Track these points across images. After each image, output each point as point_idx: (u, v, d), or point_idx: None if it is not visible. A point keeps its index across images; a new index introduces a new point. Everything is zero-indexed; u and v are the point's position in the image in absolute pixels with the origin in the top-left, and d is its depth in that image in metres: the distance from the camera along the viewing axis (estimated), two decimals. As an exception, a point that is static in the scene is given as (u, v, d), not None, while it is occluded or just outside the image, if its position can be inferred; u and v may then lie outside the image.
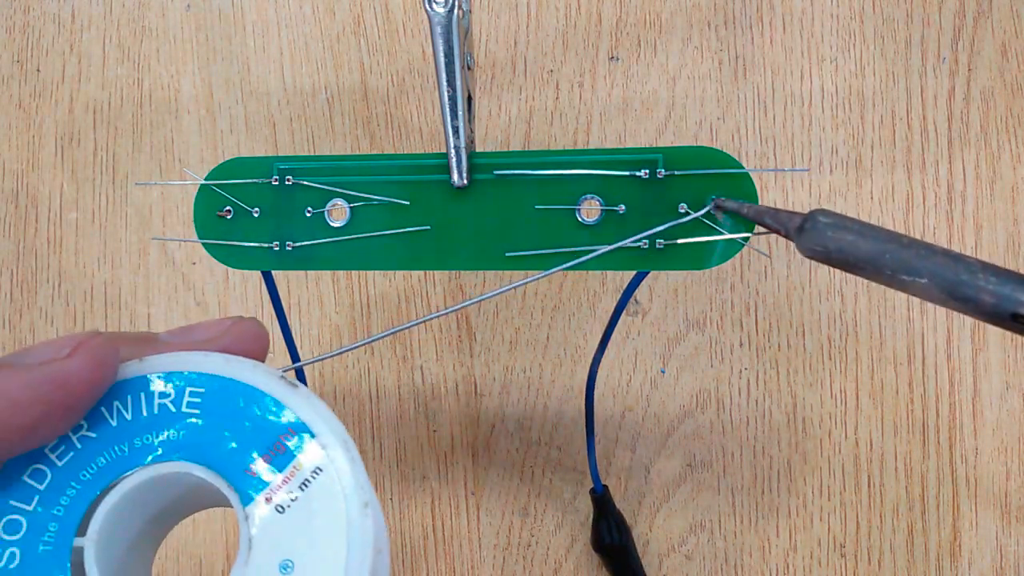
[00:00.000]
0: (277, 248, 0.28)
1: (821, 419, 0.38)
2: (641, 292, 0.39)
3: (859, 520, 0.37)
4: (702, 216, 0.26)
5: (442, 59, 0.26)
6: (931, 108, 0.39)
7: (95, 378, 0.18)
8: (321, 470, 0.18)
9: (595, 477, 0.35)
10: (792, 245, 0.39)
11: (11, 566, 0.18)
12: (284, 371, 0.20)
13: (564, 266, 0.27)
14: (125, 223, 0.42)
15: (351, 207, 0.28)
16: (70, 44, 0.44)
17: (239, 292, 0.41)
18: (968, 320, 0.38)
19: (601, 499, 0.36)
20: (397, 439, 0.39)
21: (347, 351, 0.25)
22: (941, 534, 0.37)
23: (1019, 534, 0.37)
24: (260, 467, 0.18)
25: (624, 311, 0.29)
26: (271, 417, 0.19)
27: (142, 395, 0.19)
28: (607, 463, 0.38)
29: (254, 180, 0.29)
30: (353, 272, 0.40)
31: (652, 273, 0.28)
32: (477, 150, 0.29)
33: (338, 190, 0.28)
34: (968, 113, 0.39)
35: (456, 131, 0.27)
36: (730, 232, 0.26)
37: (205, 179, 0.29)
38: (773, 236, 0.39)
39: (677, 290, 0.39)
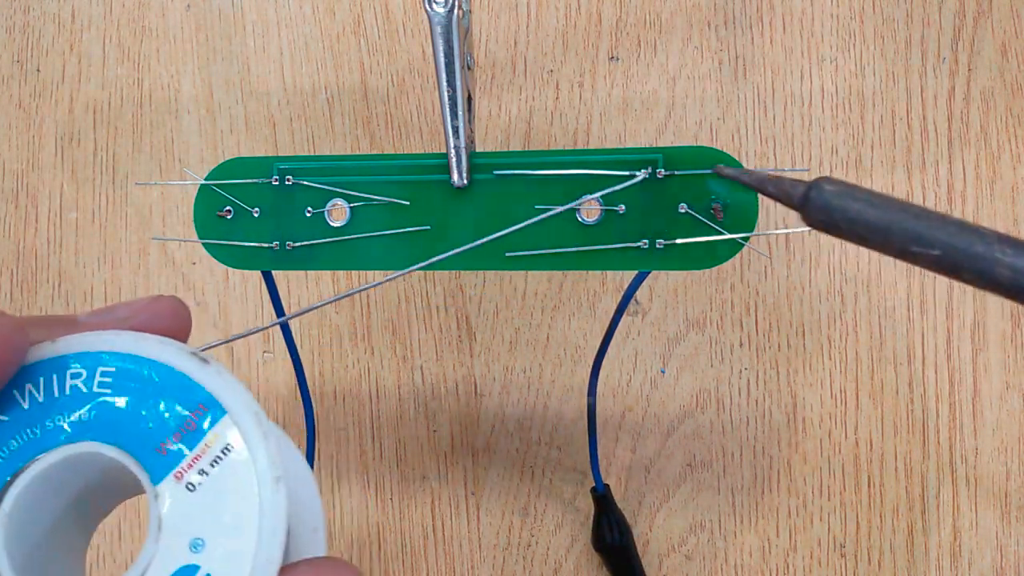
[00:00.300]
0: (277, 248, 0.28)
1: (821, 419, 0.38)
2: (641, 292, 0.39)
3: (859, 520, 0.37)
4: (701, 217, 0.26)
5: (442, 59, 0.26)
6: (931, 108, 0.39)
7: (1, 360, 0.18)
8: (231, 447, 0.18)
9: (596, 476, 0.35)
10: (791, 245, 0.39)
11: None
12: (204, 348, 0.19)
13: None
14: (125, 223, 0.42)
15: (351, 207, 0.28)
16: (70, 44, 0.44)
17: (239, 292, 0.41)
18: (968, 320, 0.38)
19: (602, 498, 0.36)
20: (397, 439, 0.39)
21: (303, 312, 0.25)
22: (941, 534, 0.37)
23: (1019, 534, 0.37)
24: (171, 445, 0.18)
25: (624, 311, 0.29)
26: (182, 394, 0.18)
27: (54, 376, 0.18)
28: (607, 463, 0.38)
29: (254, 180, 0.29)
30: (353, 272, 0.40)
31: (652, 273, 0.28)
32: (477, 150, 0.29)
33: (338, 190, 0.28)
34: (968, 113, 0.39)
35: (456, 131, 0.27)
36: (730, 232, 0.26)
37: (205, 179, 0.29)
38: (774, 236, 0.39)
39: (677, 290, 0.39)
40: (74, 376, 0.18)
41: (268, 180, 0.29)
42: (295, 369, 0.33)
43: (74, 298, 0.42)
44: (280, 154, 0.42)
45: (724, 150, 0.26)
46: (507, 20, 0.41)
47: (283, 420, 0.40)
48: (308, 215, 0.28)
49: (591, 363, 0.33)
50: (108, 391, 0.18)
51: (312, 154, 0.41)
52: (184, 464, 0.18)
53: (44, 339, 0.19)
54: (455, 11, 0.26)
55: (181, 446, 0.18)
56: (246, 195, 0.29)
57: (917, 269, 0.38)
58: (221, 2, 0.43)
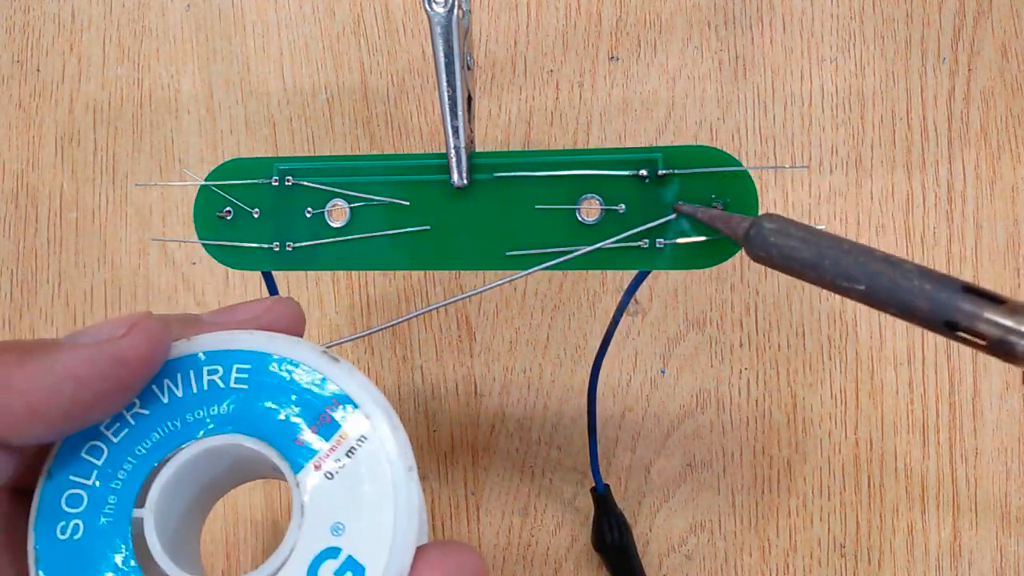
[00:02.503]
0: (277, 248, 0.28)
1: (821, 419, 0.38)
2: (641, 292, 0.39)
3: (859, 520, 0.37)
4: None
5: (442, 59, 0.26)
6: (931, 108, 0.39)
7: (150, 356, 0.19)
8: (366, 438, 0.19)
9: (596, 476, 0.35)
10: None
11: (75, 537, 0.19)
12: (327, 347, 0.20)
13: (543, 266, 0.27)
14: (125, 223, 0.42)
15: (351, 207, 0.28)
16: (70, 44, 0.44)
17: (239, 292, 0.41)
18: (968, 320, 0.38)
19: (602, 498, 0.36)
20: (397, 439, 0.39)
21: (378, 331, 0.26)
22: (941, 534, 0.37)
23: (1019, 534, 0.37)
24: (308, 437, 0.19)
25: (624, 311, 0.29)
26: (316, 389, 0.19)
27: (191, 372, 0.20)
28: (607, 463, 0.38)
29: (254, 181, 0.29)
30: (353, 272, 0.40)
31: (652, 273, 0.28)
32: (477, 150, 0.29)
33: (338, 190, 0.28)
34: (968, 113, 0.39)
35: (456, 131, 0.27)
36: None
37: (205, 180, 0.29)
38: (773, 236, 0.39)
39: (677, 290, 0.39)
40: (211, 372, 0.20)
41: (268, 180, 0.29)
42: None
43: (74, 298, 0.42)
44: (280, 154, 0.42)
45: (724, 150, 0.26)
46: (507, 20, 0.41)
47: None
48: (308, 215, 0.28)
49: (591, 363, 0.33)
50: (244, 387, 0.20)
51: (312, 154, 0.41)
52: (322, 454, 0.19)
53: (179, 337, 0.20)
54: (455, 11, 0.26)
55: (318, 438, 0.19)
56: (246, 196, 0.29)
57: (917, 269, 0.38)
58: (221, 2, 0.43)
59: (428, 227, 0.28)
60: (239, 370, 0.20)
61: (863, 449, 0.37)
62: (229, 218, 0.29)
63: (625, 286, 0.28)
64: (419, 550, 0.18)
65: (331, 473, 0.19)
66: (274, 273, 0.30)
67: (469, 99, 0.28)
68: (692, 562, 0.38)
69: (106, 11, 0.44)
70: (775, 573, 0.37)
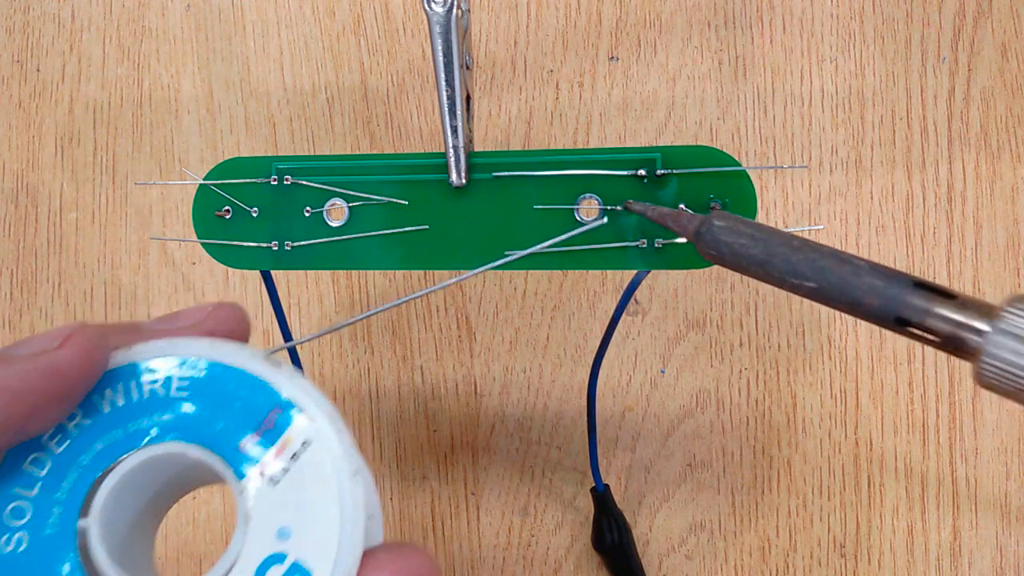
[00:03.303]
0: (276, 248, 0.28)
1: (821, 419, 0.38)
2: (641, 292, 0.39)
3: (859, 520, 0.37)
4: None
5: (441, 59, 0.26)
6: (931, 108, 0.39)
7: (87, 367, 0.19)
8: (309, 442, 0.19)
9: (596, 475, 0.35)
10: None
11: (20, 549, 0.19)
12: (269, 352, 0.20)
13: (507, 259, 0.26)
14: (125, 223, 0.42)
15: (350, 207, 0.28)
16: (70, 44, 0.44)
17: (239, 292, 0.41)
18: (968, 320, 0.38)
19: (602, 498, 0.36)
20: (397, 439, 0.39)
21: (332, 331, 0.26)
22: (941, 534, 0.37)
23: (1019, 534, 0.37)
24: (251, 443, 0.19)
25: (624, 311, 0.29)
26: (258, 396, 0.19)
27: (132, 382, 0.20)
28: (607, 463, 0.38)
29: (253, 180, 0.29)
30: (353, 272, 0.40)
31: (652, 273, 0.28)
32: (476, 150, 0.29)
33: (337, 190, 0.28)
34: (968, 113, 0.39)
35: (455, 131, 0.27)
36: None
37: (204, 179, 0.29)
38: (773, 236, 0.39)
39: (677, 290, 0.39)
40: (151, 381, 0.20)
41: (267, 180, 0.29)
42: (287, 351, 0.33)
43: (74, 298, 0.42)
44: (280, 154, 0.42)
45: (724, 150, 0.26)
46: (507, 20, 0.41)
47: (283, 420, 0.40)
48: (307, 215, 0.28)
49: (591, 363, 0.33)
50: (186, 394, 0.20)
51: (311, 154, 0.41)
52: (265, 460, 0.19)
53: (118, 346, 0.20)
54: (454, 11, 0.26)
55: (261, 443, 0.19)
56: (245, 195, 0.29)
57: (918, 270, 0.38)
58: (221, 2, 0.43)
59: (427, 227, 0.28)
60: (180, 378, 0.20)
61: (863, 449, 0.37)
62: (228, 217, 0.29)
63: (625, 286, 0.28)
64: (369, 552, 0.18)
65: (275, 478, 0.19)
66: (273, 272, 0.30)
67: (468, 99, 0.28)
68: (692, 562, 0.38)
69: (106, 11, 0.44)
70: (775, 573, 0.37)
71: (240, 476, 0.19)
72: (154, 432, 0.19)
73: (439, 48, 0.26)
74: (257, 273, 0.39)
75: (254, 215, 0.29)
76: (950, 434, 0.37)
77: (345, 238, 0.28)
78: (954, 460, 0.37)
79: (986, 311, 0.18)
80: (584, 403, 0.34)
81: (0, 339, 0.42)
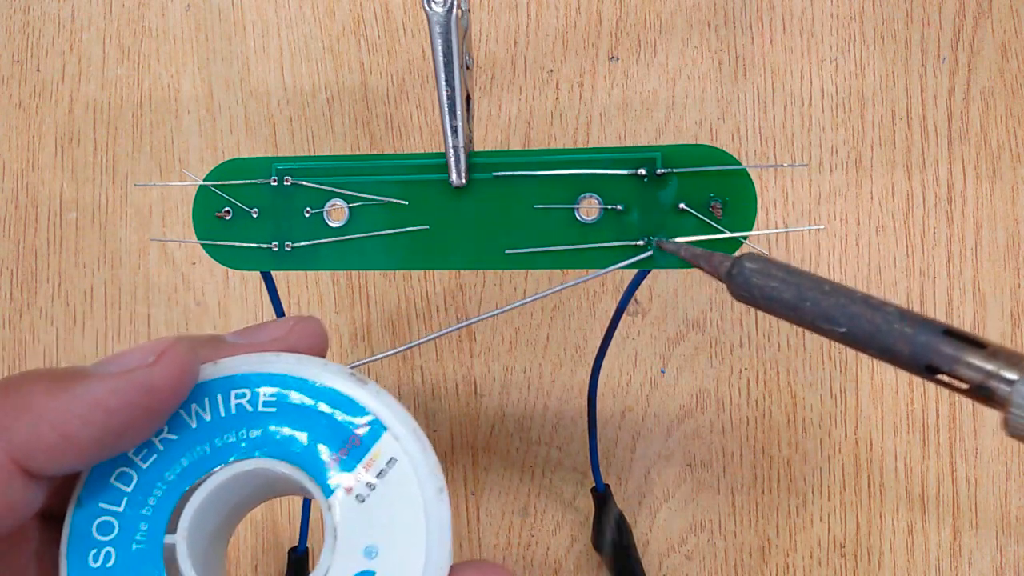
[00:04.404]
0: (276, 248, 0.28)
1: (821, 419, 0.38)
2: (641, 292, 0.39)
3: (859, 520, 0.37)
4: (700, 215, 0.26)
5: (441, 59, 0.26)
6: (931, 108, 0.39)
7: (179, 383, 0.19)
8: (396, 460, 0.19)
9: (596, 475, 0.35)
10: (791, 245, 0.39)
11: (108, 565, 0.19)
12: (352, 367, 0.20)
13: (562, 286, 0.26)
14: (125, 223, 0.42)
15: (350, 207, 0.28)
16: (70, 44, 0.44)
17: (239, 292, 0.41)
18: (968, 320, 0.38)
19: (602, 498, 0.36)
20: (397, 439, 0.39)
21: (412, 347, 0.26)
22: (941, 534, 0.37)
23: (1019, 534, 0.37)
24: (338, 460, 0.19)
25: (624, 311, 0.29)
26: (344, 412, 0.19)
27: (219, 397, 0.20)
28: (607, 463, 0.38)
29: (253, 181, 0.29)
30: (353, 272, 0.40)
31: (652, 273, 0.28)
32: (476, 150, 0.29)
33: (337, 190, 0.28)
34: (968, 113, 0.39)
35: (455, 131, 0.27)
36: (729, 231, 0.26)
37: (204, 180, 0.29)
38: (774, 236, 0.39)
39: (677, 290, 0.39)
40: (239, 396, 0.20)
41: (267, 180, 0.29)
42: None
43: (74, 298, 0.42)
44: (280, 154, 0.42)
45: (724, 150, 0.26)
46: (507, 20, 0.41)
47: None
48: (307, 215, 0.28)
49: (591, 363, 0.33)
50: (273, 410, 0.20)
51: (311, 154, 0.41)
52: (352, 477, 0.19)
53: (205, 360, 0.20)
54: (454, 11, 0.26)
55: (348, 460, 0.19)
56: (245, 196, 0.29)
57: (918, 270, 0.38)
58: (221, 2, 0.43)
59: (427, 227, 0.28)
60: (267, 394, 0.20)
61: (863, 449, 0.37)
62: (228, 218, 0.29)
63: (625, 286, 0.28)
64: (456, 568, 0.19)
65: (362, 496, 0.19)
66: (273, 273, 0.30)
67: (468, 99, 0.28)
68: (692, 562, 0.38)
69: (106, 11, 0.44)
70: (775, 573, 0.37)
71: (328, 493, 0.19)
72: (241, 448, 0.19)
73: (439, 48, 0.26)
74: (257, 274, 0.39)
75: (254, 216, 0.29)
76: (950, 434, 0.37)
77: (345, 238, 0.28)
78: (954, 460, 0.37)
79: (1016, 361, 0.18)
80: (584, 403, 0.34)
81: (0, 339, 0.42)
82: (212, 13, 0.43)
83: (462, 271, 0.40)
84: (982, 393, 0.18)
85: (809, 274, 0.21)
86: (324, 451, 0.19)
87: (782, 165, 0.39)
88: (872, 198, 0.39)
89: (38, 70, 0.44)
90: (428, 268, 0.37)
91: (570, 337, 0.39)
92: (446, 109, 0.27)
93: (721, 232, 0.26)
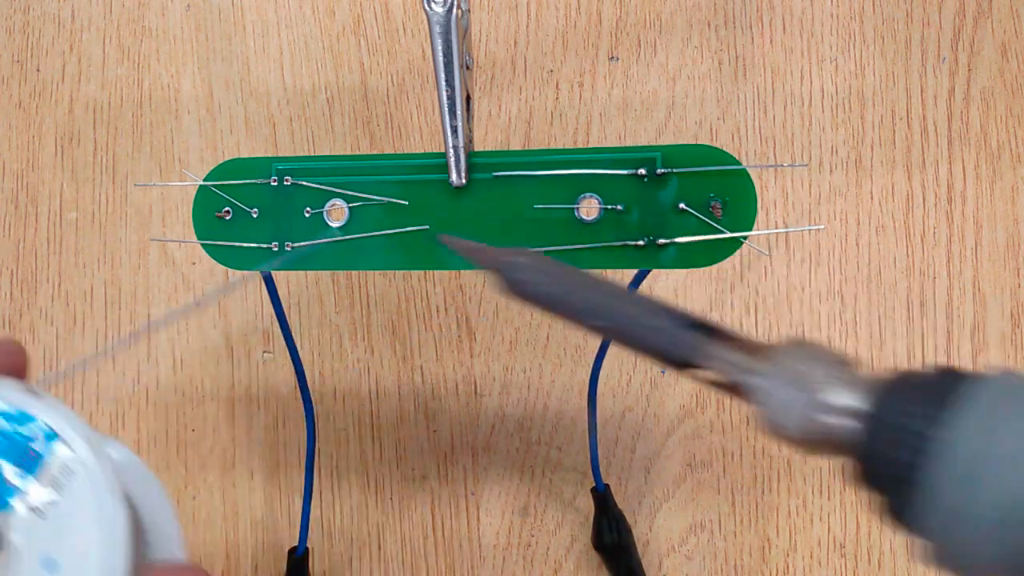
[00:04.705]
0: (276, 248, 0.28)
1: (821, 419, 0.38)
2: (641, 292, 0.39)
3: (859, 520, 0.37)
4: (700, 215, 0.26)
5: (441, 59, 0.26)
6: (931, 108, 0.39)
7: None
8: (71, 470, 0.19)
9: (596, 475, 0.35)
10: (791, 245, 0.39)
11: None
12: (45, 380, 0.21)
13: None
14: (125, 223, 0.42)
15: (350, 207, 0.28)
16: (70, 44, 0.44)
17: (239, 292, 0.41)
18: (968, 320, 0.38)
19: (602, 498, 0.36)
20: (397, 439, 0.39)
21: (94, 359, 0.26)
22: (941, 534, 0.37)
23: (1019, 534, 0.37)
24: (13, 475, 0.19)
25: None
26: (19, 427, 0.19)
27: None
28: (607, 463, 0.38)
29: (253, 181, 0.29)
30: (353, 272, 0.40)
31: (652, 272, 0.28)
32: (476, 150, 0.29)
33: (337, 190, 0.28)
34: (968, 113, 0.39)
35: (455, 131, 0.27)
36: (729, 230, 0.26)
37: (204, 180, 0.29)
38: (774, 236, 0.39)
39: (677, 290, 0.39)
40: None
41: (267, 180, 0.29)
42: (295, 369, 0.33)
43: (74, 298, 0.42)
44: (280, 154, 0.42)
45: (724, 150, 0.26)
46: (507, 20, 0.41)
47: (283, 420, 0.40)
48: (307, 215, 0.28)
49: (591, 363, 0.33)
50: None
51: (311, 154, 0.41)
52: (28, 491, 0.19)
53: None
54: (454, 11, 0.26)
55: (24, 474, 0.19)
56: (245, 196, 0.29)
57: (917, 269, 0.38)
58: (221, 2, 0.43)
59: (427, 227, 0.28)
60: None
61: (863, 449, 0.37)
62: (228, 218, 0.29)
63: (625, 285, 0.28)
64: (141, 571, 0.19)
65: (38, 508, 0.19)
66: (273, 273, 0.30)
67: (468, 99, 0.28)
68: (692, 562, 0.38)
69: (106, 11, 0.44)
70: (775, 573, 0.37)
71: (4, 508, 0.19)
72: None
73: (439, 48, 0.26)
74: (257, 273, 0.39)
75: (254, 216, 0.29)
76: (950, 434, 0.37)
77: (345, 238, 0.28)
78: (954, 460, 0.37)
79: (760, 354, 0.18)
80: (584, 403, 0.34)
81: (0, 339, 0.42)
82: (212, 13, 0.43)
83: (462, 271, 0.40)
84: (732, 386, 0.18)
85: (576, 271, 0.21)
86: (5, 467, 0.19)
87: (782, 165, 0.39)
88: (872, 198, 0.39)
89: (38, 70, 0.44)
90: (428, 268, 0.37)
91: (570, 337, 0.39)
92: (446, 109, 0.27)
93: (721, 232, 0.26)
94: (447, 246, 0.25)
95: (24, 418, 0.20)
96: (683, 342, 0.18)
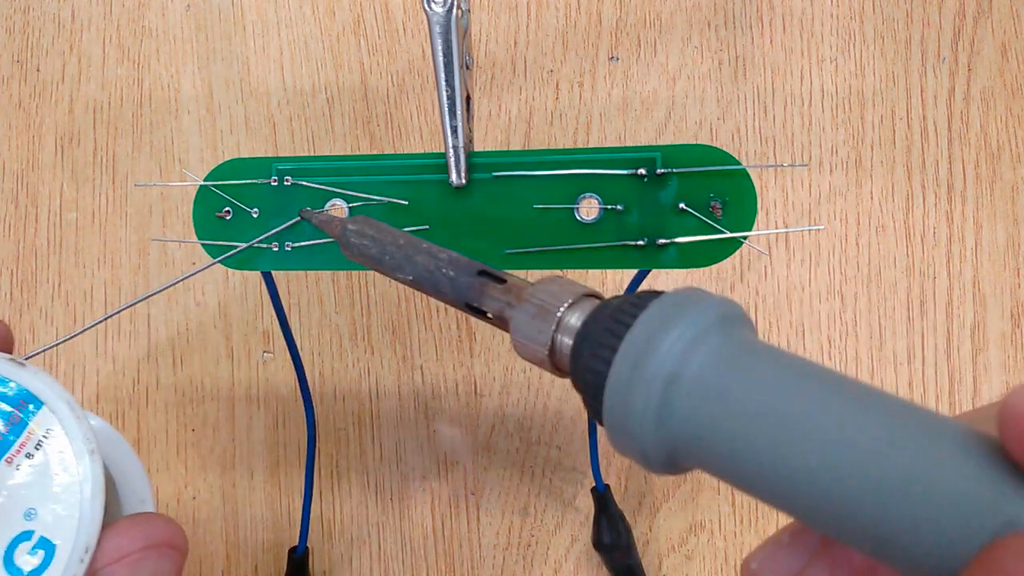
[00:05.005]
0: (276, 248, 0.28)
1: (821, 419, 0.38)
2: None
3: (859, 520, 0.37)
4: (700, 215, 0.26)
5: (441, 59, 0.26)
6: (931, 108, 0.39)
7: None
8: (51, 430, 0.21)
9: (596, 475, 0.35)
10: (791, 245, 0.39)
11: None
12: (26, 357, 0.23)
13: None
14: (125, 223, 0.42)
15: (350, 207, 0.28)
16: (70, 44, 0.44)
17: (239, 292, 0.41)
18: (968, 320, 0.38)
19: (602, 498, 0.36)
20: (397, 439, 0.39)
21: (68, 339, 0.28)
22: (941, 534, 0.37)
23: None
24: (0, 436, 0.21)
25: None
26: (4, 391, 0.22)
27: None
28: (607, 463, 0.38)
29: (253, 181, 0.29)
30: (353, 272, 0.40)
31: (652, 273, 0.28)
32: (476, 150, 0.29)
33: (337, 190, 0.28)
34: (968, 113, 0.39)
35: (455, 131, 0.27)
36: (729, 230, 0.26)
37: (204, 180, 0.29)
38: (774, 236, 0.39)
39: (677, 290, 0.39)
40: None
41: (267, 180, 0.29)
42: (295, 369, 0.33)
43: (74, 298, 0.42)
44: (280, 154, 0.42)
45: (724, 150, 0.26)
46: (507, 20, 0.41)
47: (283, 420, 0.40)
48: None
49: (590, 363, 0.33)
50: None
51: (311, 154, 0.41)
52: (12, 450, 0.21)
53: None
54: (454, 11, 0.26)
55: (8, 436, 0.21)
56: (245, 196, 0.29)
57: (917, 269, 0.38)
58: (221, 2, 0.43)
59: (427, 227, 0.28)
60: None
61: (863, 449, 0.37)
62: (228, 218, 0.29)
63: (625, 285, 0.28)
64: (113, 521, 0.21)
65: (20, 465, 0.21)
66: (274, 272, 0.30)
67: (468, 99, 0.28)
68: (692, 562, 0.38)
69: (106, 11, 0.44)
70: (775, 573, 0.37)
71: None
72: None
73: (439, 48, 0.26)
74: (257, 273, 0.39)
75: (254, 216, 0.29)
76: (950, 434, 0.37)
77: (345, 238, 0.28)
78: (954, 460, 0.37)
79: (520, 293, 0.20)
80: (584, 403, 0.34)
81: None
82: (212, 13, 0.43)
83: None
84: (499, 320, 0.21)
85: (391, 231, 0.23)
86: None
87: (782, 165, 0.39)
88: (872, 198, 0.39)
89: (38, 70, 0.44)
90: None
91: (570, 337, 0.39)
92: (446, 109, 0.27)
93: (721, 232, 0.26)
94: (309, 220, 0.28)
95: (7, 385, 0.22)
96: (467, 287, 0.21)
